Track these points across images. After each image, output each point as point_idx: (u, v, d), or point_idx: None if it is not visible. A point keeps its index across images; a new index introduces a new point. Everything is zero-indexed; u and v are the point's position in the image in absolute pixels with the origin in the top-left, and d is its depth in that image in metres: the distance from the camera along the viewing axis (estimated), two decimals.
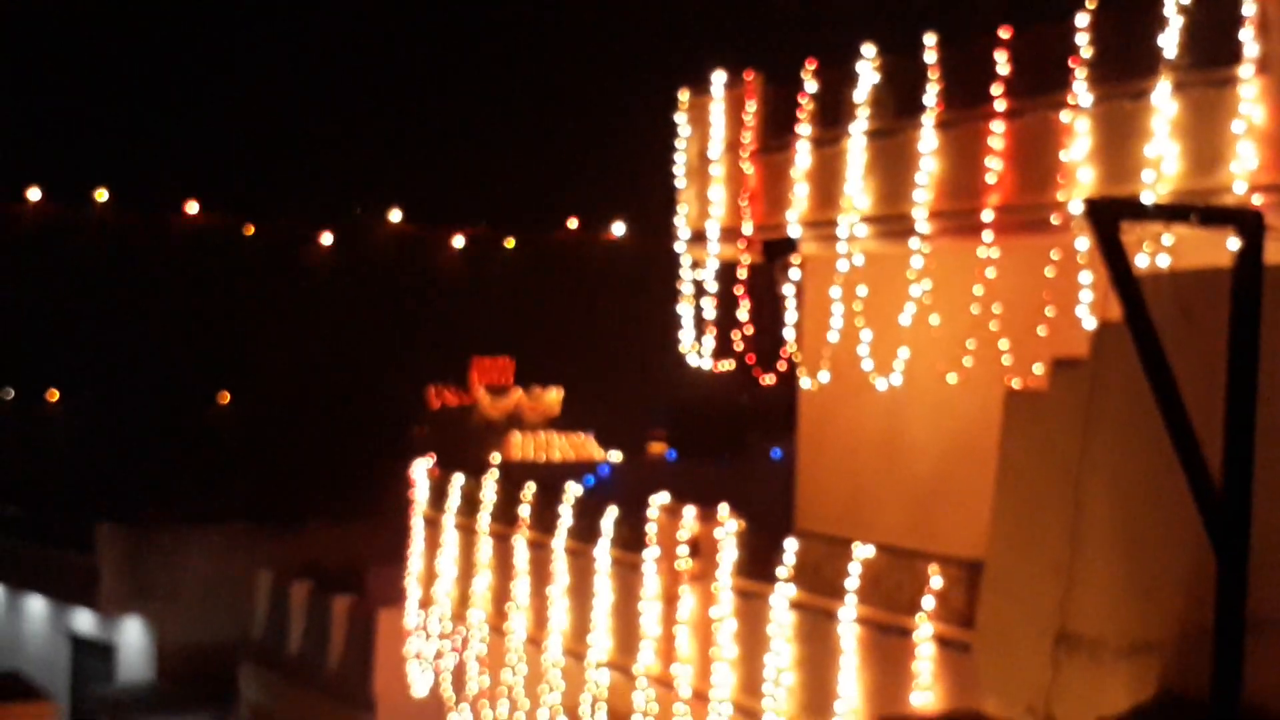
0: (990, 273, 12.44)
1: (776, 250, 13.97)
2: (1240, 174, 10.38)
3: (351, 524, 25.44)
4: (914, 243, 12.80)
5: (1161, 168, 10.81)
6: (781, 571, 12.46)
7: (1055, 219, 11.63)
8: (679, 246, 15.16)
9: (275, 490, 32.50)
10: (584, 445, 43.50)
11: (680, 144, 15.15)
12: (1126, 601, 7.64)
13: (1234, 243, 6.14)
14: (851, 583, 11.64)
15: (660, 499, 14.11)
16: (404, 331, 50.95)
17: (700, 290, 14.84)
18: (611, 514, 14.75)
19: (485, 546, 16.80)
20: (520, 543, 16.15)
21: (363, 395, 46.89)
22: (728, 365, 14.78)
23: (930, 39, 12.56)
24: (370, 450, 38.41)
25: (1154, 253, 10.46)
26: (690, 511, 13.66)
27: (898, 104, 13.04)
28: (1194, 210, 6.45)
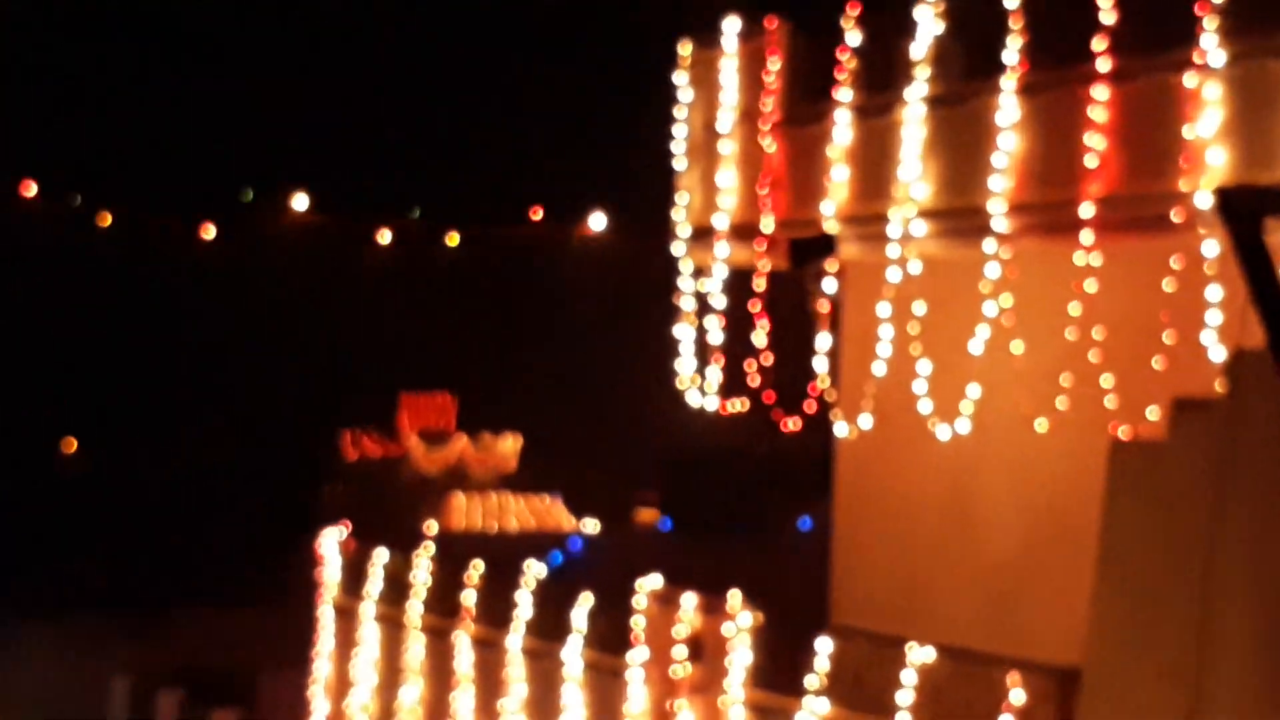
0: (1090, 285, 12.47)
1: (806, 254, 14.00)
2: None
3: (237, 613, 25.32)
4: (989, 245, 12.83)
5: None
6: (811, 681, 12.42)
7: (1176, 215, 11.65)
8: (677, 248, 15.17)
9: (137, 568, 32.38)
10: (549, 511, 43.45)
11: (680, 112, 15.18)
12: None
13: None
14: (905, 696, 11.60)
15: (651, 583, 14.06)
16: (310, 358, 50.88)
17: (704, 306, 14.86)
18: (585, 603, 14.70)
19: (416, 645, 16.71)
20: (463, 641, 16.07)
21: (254, 443, 46.75)
22: (740, 406, 14.77)
23: None
24: (264, 516, 38.28)
25: None
26: (690, 600, 13.61)
27: (968, 62, 13.10)
28: None
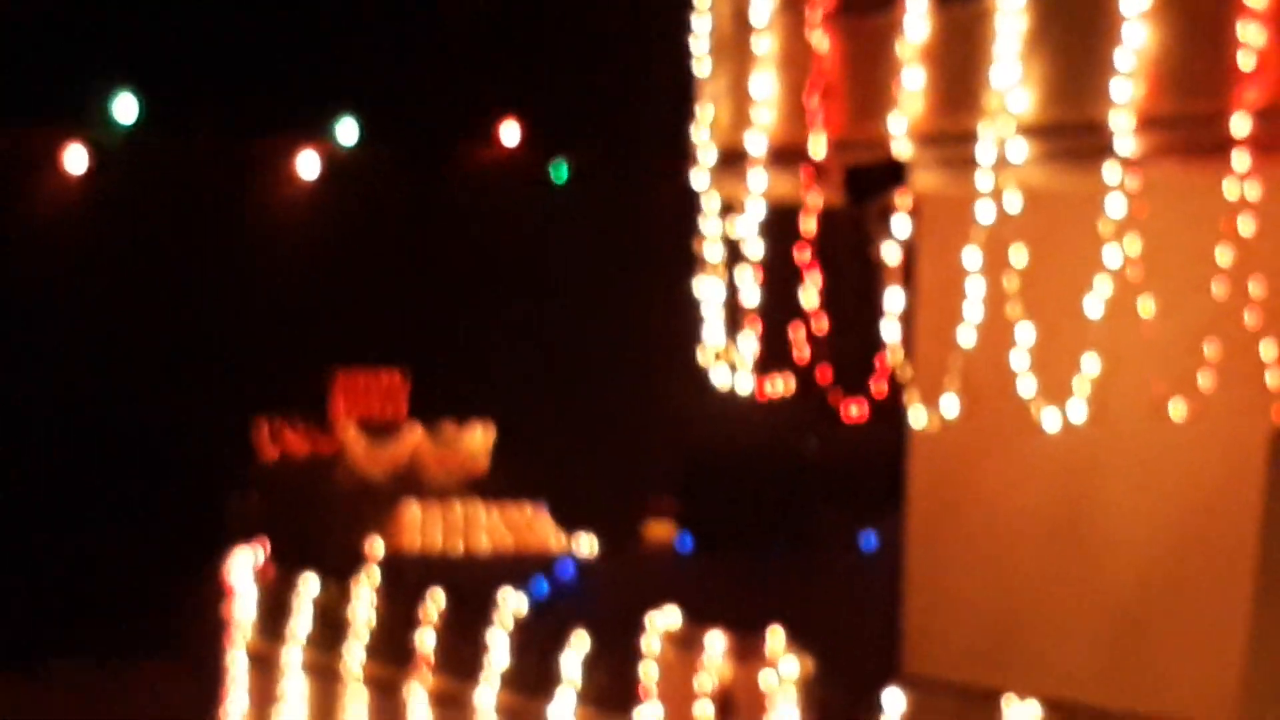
0: (1244, 225, 12.53)
1: (869, 185, 14.05)
2: None
3: (123, 666, 25.46)
4: (1111, 172, 12.90)
5: None
6: None
7: None
8: (699, 179, 15.25)
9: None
10: (531, 526, 43.53)
11: (701, 0, 15.28)
12: None
13: None
14: None
15: (666, 620, 14.16)
16: (211, 325, 50.93)
17: (735, 255, 14.94)
18: (579, 647, 14.81)
19: (357, 702, 16.85)
20: (418, 696, 16.20)
21: (139, 441, 46.88)
22: (783, 387, 14.86)
23: None
24: (155, 537, 38.35)
25: None
26: (717, 642, 13.71)
27: None
28: None
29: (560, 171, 42.73)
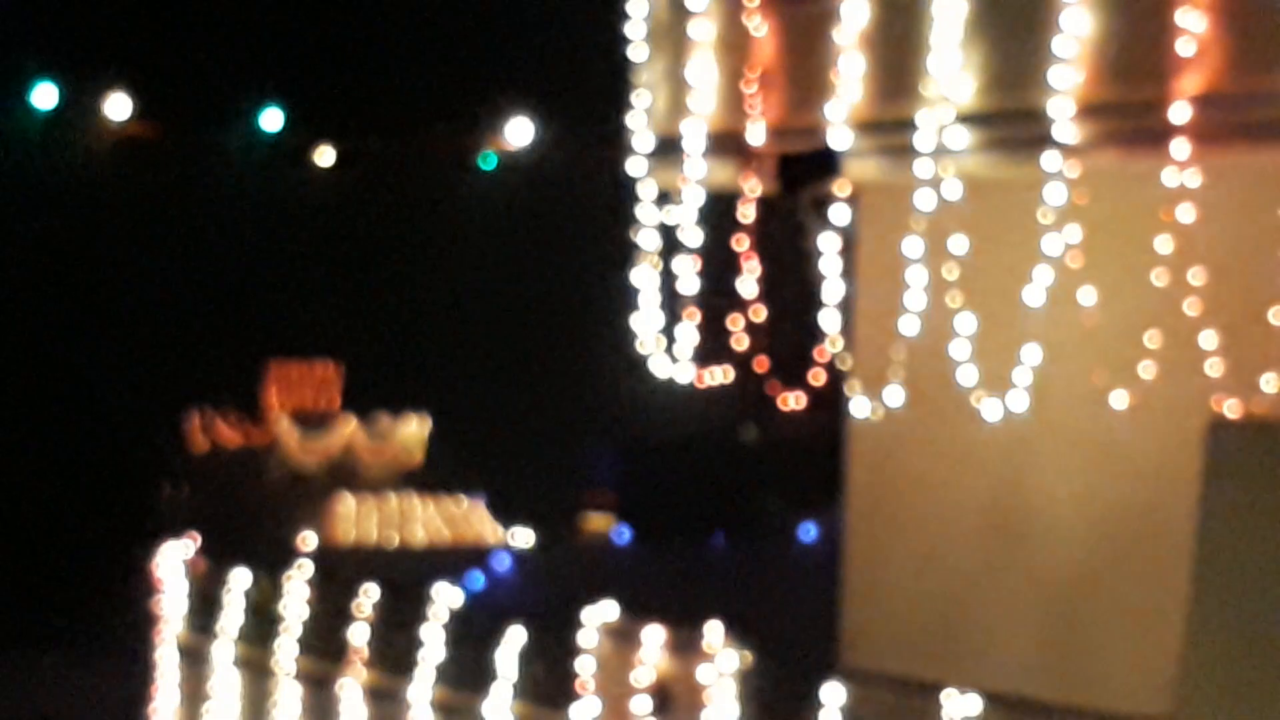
0: (1186, 214, 12.57)
1: (806, 173, 14.05)
2: None
3: (48, 659, 25.29)
4: (1050, 160, 12.93)
5: None
6: None
7: None
8: (635, 166, 15.21)
9: None
10: (466, 518, 43.48)
11: None
12: None
13: None
14: None
15: (603, 613, 14.13)
16: (141, 314, 50.67)
17: (672, 244, 14.91)
18: (515, 641, 14.77)
19: (289, 698, 16.77)
20: (352, 690, 16.13)
21: (66, 429, 46.61)
22: (721, 376, 14.84)
23: None
24: (82, 528, 38.14)
25: None
26: (655, 636, 13.69)
27: None
28: None
29: (489, 160, 42.57)
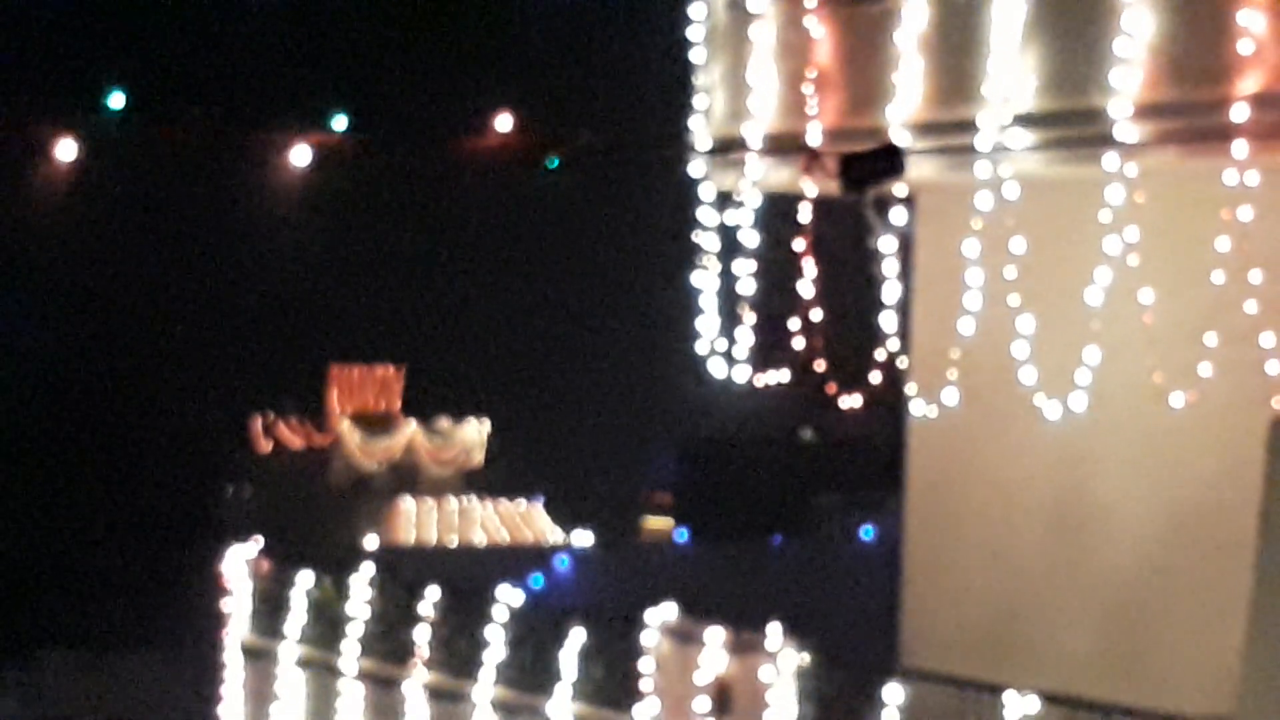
0: (1244, 213, 12.50)
1: (867, 173, 14.01)
2: None
3: (118, 658, 25.45)
4: (1111, 160, 12.87)
5: None
6: None
7: None
8: (695, 168, 15.21)
9: None
10: (527, 520, 43.60)
11: None
12: None
13: None
14: None
15: (663, 614, 14.12)
16: (207, 320, 51.00)
17: (731, 245, 14.90)
18: (576, 642, 14.77)
19: (353, 698, 16.81)
20: (415, 692, 16.16)
21: (135, 434, 46.92)
22: (779, 379, 14.82)
23: None
24: (150, 531, 38.39)
25: None
26: (715, 636, 13.67)
27: None
28: None
29: (552, 162, 42.65)
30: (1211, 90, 12.41)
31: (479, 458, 47.18)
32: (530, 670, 15.16)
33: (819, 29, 14.45)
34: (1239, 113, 12.26)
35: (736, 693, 13.50)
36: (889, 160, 13.64)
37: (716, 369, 14.89)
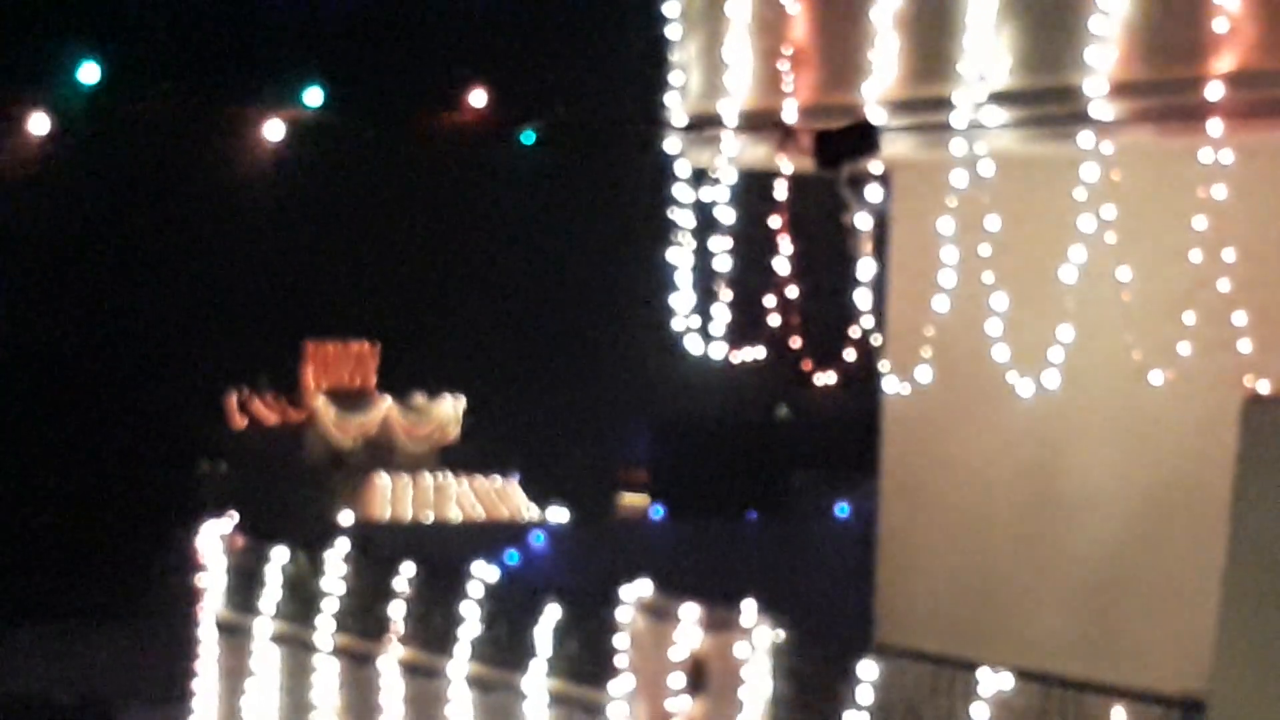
0: (1219, 192, 12.51)
1: (842, 150, 13.98)
2: None
3: (91, 632, 25.41)
4: (1086, 138, 12.87)
5: None
6: (853, 718, 12.50)
7: None
8: (670, 145, 15.18)
9: None
10: (502, 496, 43.62)
11: None
12: None
13: None
14: None
15: (639, 590, 14.13)
16: (180, 295, 50.86)
17: (707, 222, 14.88)
18: (551, 618, 14.78)
19: (328, 673, 16.80)
20: (390, 667, 16.15)
21: (108, 410, 46.79)
22: (754, 355, 14.81)
23: None
24: (124, 506, 38.34)
25: None
26: (691, 612, 13.69)
27: None
28: None
29: (528, 136, 42.50)
30: (1187, 68, 12.41)
31: (454, 433, 47.18)
32: (505, 646, 15.16)
33: (795, 6, 14.42)
34: (1214, 91, 12.26)
35: (711, 669, 13.51)
36: (864, 137, 13.61)
37: (692, 345, 14.87)
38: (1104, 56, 12.73)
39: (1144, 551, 13.86)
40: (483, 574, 15.57)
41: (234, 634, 17.89)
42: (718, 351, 14.82)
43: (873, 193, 14.00)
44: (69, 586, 30.10)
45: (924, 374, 14.09)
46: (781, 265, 14.44)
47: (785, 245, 14.45)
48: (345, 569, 16.86)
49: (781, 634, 13.24)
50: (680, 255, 14.93)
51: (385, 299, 50.44)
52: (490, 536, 24.38)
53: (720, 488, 39.26)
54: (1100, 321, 13.34)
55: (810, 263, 14.61)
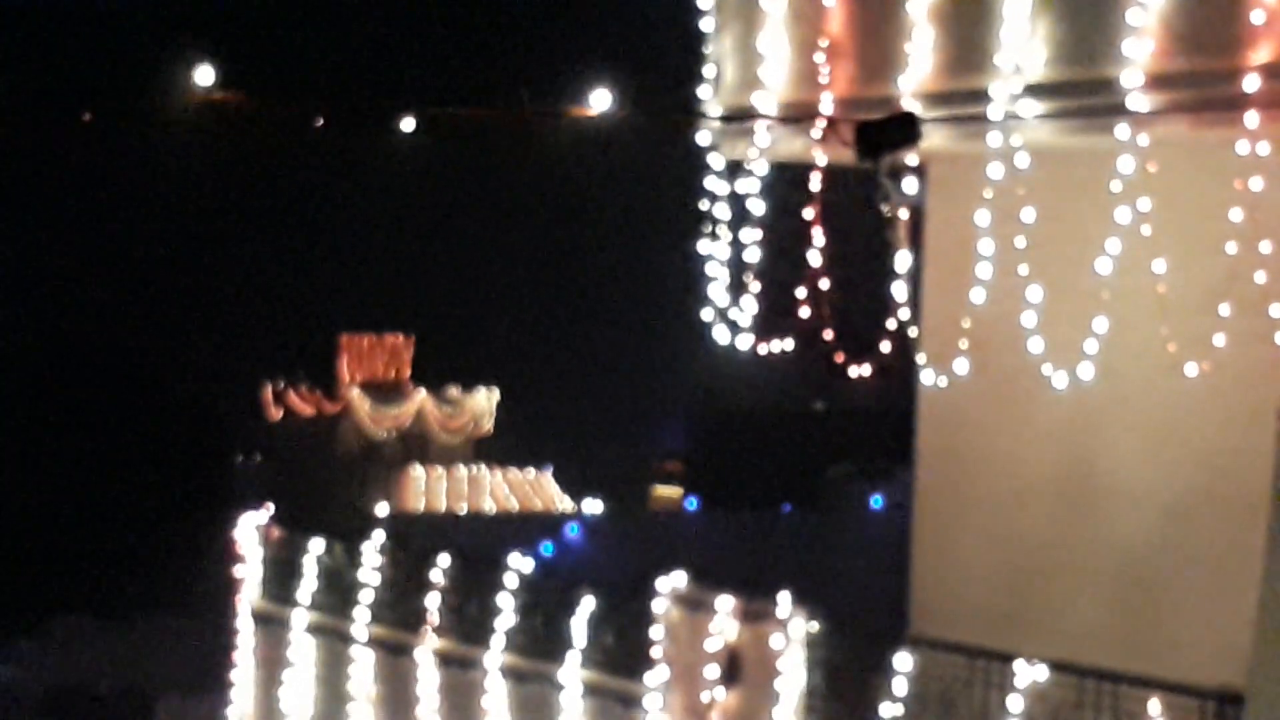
0: (1256, 184, 12.46)
1: (878, 144, 13.96)
2: None
3: (129, 623, 25.51)
4: (1122, 130, 12.83)
5: None
6: (887, 709, 12.49)
7: None
8: (704, 137, 15.17)
9: (2, 569, 32.62)
10: (537, 488, 43.67)
11: None
12: None
13: None
14: None
15: (673, 582, 14.14)
16: (216, 288, 50.99)
17: (741, 215, 14.87)
18: (586, 609, 14.79)
19: (364, 664, 16.84)
20: (426, 659, 16.19)
21: (144, 402, 46.95)
22: (787, 347, 14.80)
23: None
24: (161, 498, 38.47)
25: None
26: (725, 604, 13.69)
27: None
28: None
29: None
30: (1223, 60, 12.36)
31: (488, 426, 47.26)
32: (541, 637, 15.19)
33: None
34: (1251, 83, 12.21)
35: (746, 660, 13.52)
36: (906, 128, 13.57)
37: (720, 336, 14.86)
38: (1140, 48, 12.68)
39: (1180, 543, 13.82)
40: (518, 565, 15.60)
41: (271, 625, 17.94)
42: (744, 342, 14.82)
43: (909, 185, 13.99)
44: (107, 579, 30.23)
45: (960, 366, 14.07)
46: (814, 257, 14.43)
47: (818, 237, 14.44)
48: (381, 560, 16.91)
49: (816, 625, 13.26)
50: (713, 247, 14.92)
51: (420, 292, 50.56)
52: (525, 528, 24.44)
53: (755, 480, 39.24)
54: (1136, 313, 13.30)
55: (844, 255, 14.60)
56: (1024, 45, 13.28)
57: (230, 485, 39.62)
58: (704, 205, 14.99)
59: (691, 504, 41.08)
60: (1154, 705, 11.13)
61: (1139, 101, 12.72)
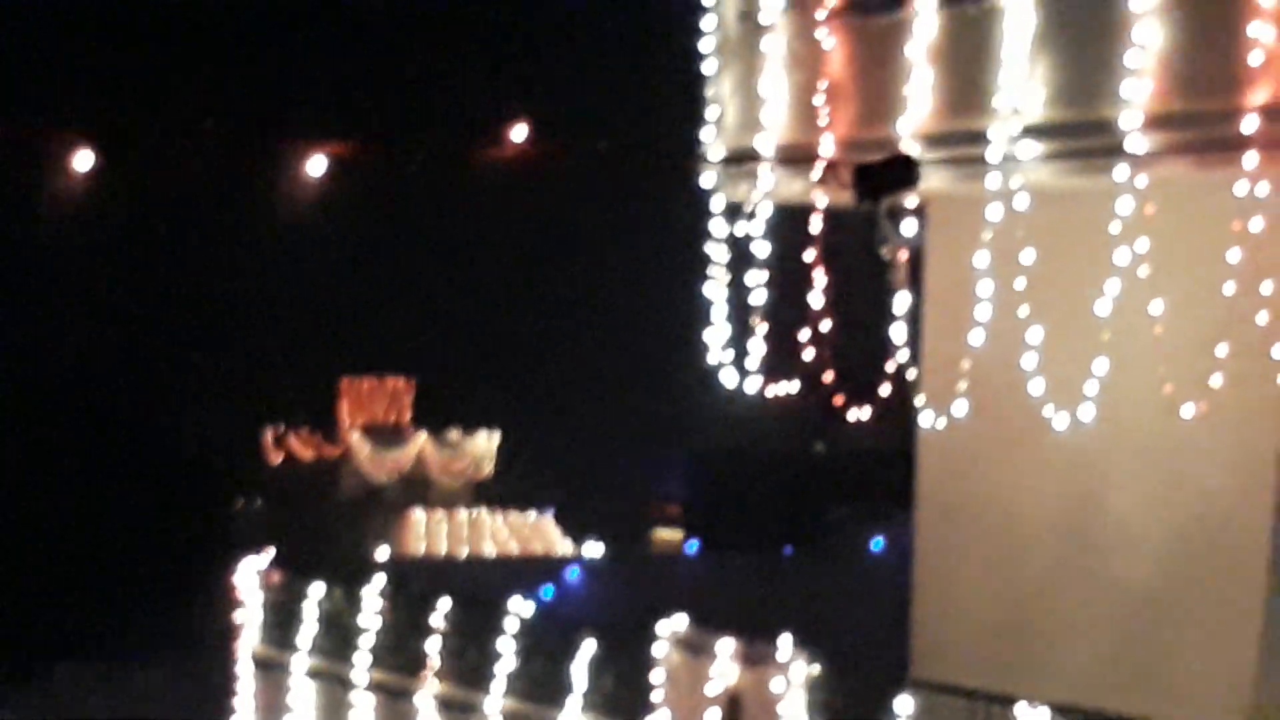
0: (1256, 224, 12.48)
1: (878, 185, 14.01)
2: None
3: (130, 668, 25.45)
4: (1121, 171, 12.85)
5: None
6: None
7: None
8: (706, 179, 15.21)
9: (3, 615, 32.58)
10: (537, 531, 43.63)
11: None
12: None
13: None
14: None
15: (674, 625, 14.12)
16: (217, 331, 51.04)
17: (742, 256, 14.89)
18: (586, 652, 14.77)
19: (365, 709, 16.82)
20: (426, 703, 16.16)
21: (146, 443, 46.92)
22: (789, 390, 14.81)
23: None
24: (161, 541, 38.42)
25: None
26: (727, 646, 13.66)
27: None
28: None
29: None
30: (1222, 101, 12.40)
31: (489, 469, 47.24)
32: (541, 681, 15.17)
33: (830, 41, 14.44)
34: (1249, 124, 12.24)
35: (747, 704, 13.49)
36: (905, 170, 13.62)
37: (727, 380, 14.87)
38: (1139, 89, 12.72)
39: (1180, 584, 13.79)
40: (518, 609, 15.58)
41: (271, 670, 17.92)
42: (752, 385, 14.82)
43: (908, 226, 14.00)
44: (108, 623, 30.16)
45: (959, 408, 14.07)
46: (816, 299, 14.45)
47: (820, 279, 14.46)
48: (381, 604, 16.90)
49: (817, 668, 13.23)
50: (715, 289, 14.94)
51: (421, 335, 50.54)
52: (525, 572, 24.36)
53: (756, 522, 39.19)
54: (1135, 355, 13.30)
55: (845, 297, 14.62)
56: (1023, 87, 13.32)
57: (230, 530, 39.58)
58: (707, 247, 15.02)
59: (692, 547, 41.03)
60: None
61: (1138, 143, 12.74)
